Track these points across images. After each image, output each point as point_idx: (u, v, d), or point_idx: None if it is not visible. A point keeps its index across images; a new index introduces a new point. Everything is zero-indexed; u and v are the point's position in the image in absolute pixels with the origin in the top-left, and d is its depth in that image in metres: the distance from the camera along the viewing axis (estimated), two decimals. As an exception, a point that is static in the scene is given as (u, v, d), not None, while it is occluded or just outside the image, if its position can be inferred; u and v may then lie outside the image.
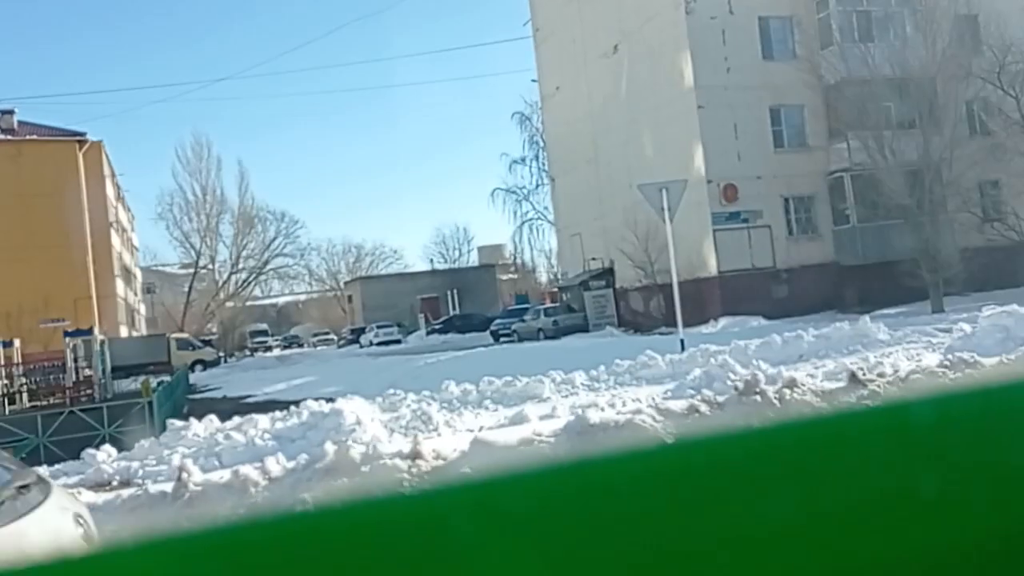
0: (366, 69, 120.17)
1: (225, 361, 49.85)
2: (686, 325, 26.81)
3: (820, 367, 9.90)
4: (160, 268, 73.18)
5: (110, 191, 52.39)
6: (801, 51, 27.04)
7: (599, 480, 0.65)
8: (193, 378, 36.02)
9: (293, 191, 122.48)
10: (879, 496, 0.68)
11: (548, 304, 36.82)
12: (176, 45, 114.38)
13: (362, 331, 52.77)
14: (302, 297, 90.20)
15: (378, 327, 49.40)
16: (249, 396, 24.05)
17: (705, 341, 17.85)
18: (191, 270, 63.48)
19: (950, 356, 7.17)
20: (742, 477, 0.67)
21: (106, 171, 51.48)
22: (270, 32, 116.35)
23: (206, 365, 41.55)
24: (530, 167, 49.58)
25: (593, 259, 32.93)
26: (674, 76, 27.20)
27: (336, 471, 5.11)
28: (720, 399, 6.39)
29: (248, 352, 60.71)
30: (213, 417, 11.64)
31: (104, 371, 29.15)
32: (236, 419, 11.64)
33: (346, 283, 73.64)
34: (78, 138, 46.77)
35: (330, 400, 16.10)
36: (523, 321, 34.19)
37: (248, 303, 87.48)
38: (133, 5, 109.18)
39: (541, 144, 43.10)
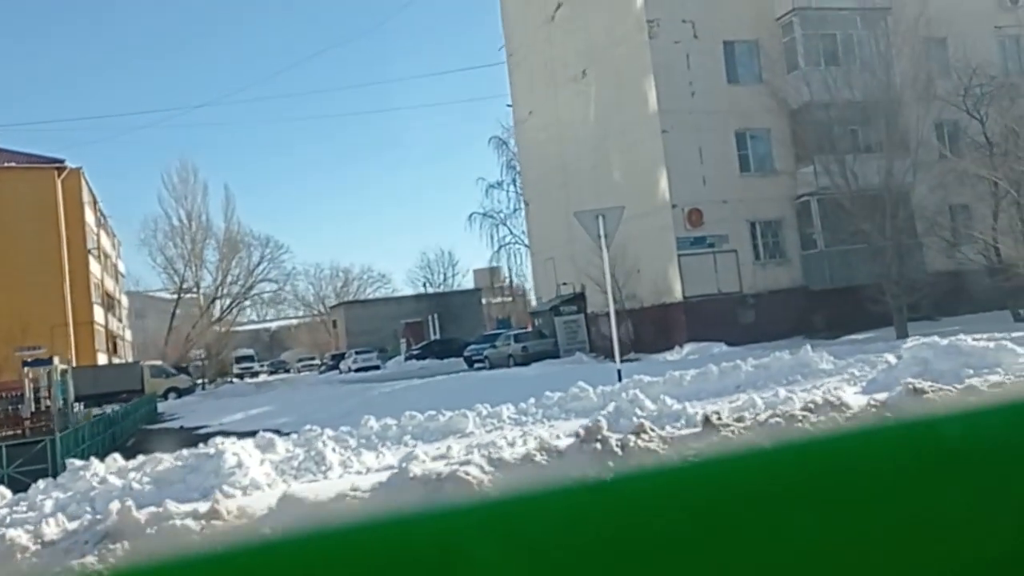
0: (354, 94, 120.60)
1: (204, 388, 49.43)
2: (652, 351, 26.58)
3: (735, 402, 9.53)
4: (151, 294, 72.90)
5: (90, 218, 52.21)
6: (767, 75, 26.84)
7: (619, 499, 0.65)
8: (164, 406, 35.66)
9: (280, 216, 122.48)
10: (906, 512, 0.67)
11: (520, 330, 36.43)
12: (162, 71, 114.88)
13: (342, 357, 52.40)
14: (294, 322, 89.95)
15: (357, 353, 49.04)
16: (204, 427, 23.70)
17: (671, 368, 17.42)
18: (186, 296, 63.31)
19: (816, 398, 6.80)
20: (765, 495, 0.66)
21: (86, 198, 51.35)
22: (250, 59, 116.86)
23: (180, 393, 41.12)
24: (507, 191, 49.45)
25: (564, 284, 32.61)
26: (639, 101, 27.02)
27: (119, 534, 4.76)
28: (561, 446, 6.02)
29: (229, 379, 60.19)
30: (117, 456, 11.26)
31: (66, 401, 28.65)
32: (140, 457, 11.27)
33: (331, 308, 73.35)
34: (56, 165, 46.67)
35: (276, 432, 15.77)
36: (494, 347, 33.80)
37: (242, 328, 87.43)
38: (116, 31, 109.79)
39: (517, 168, 42.92)
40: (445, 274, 70.74)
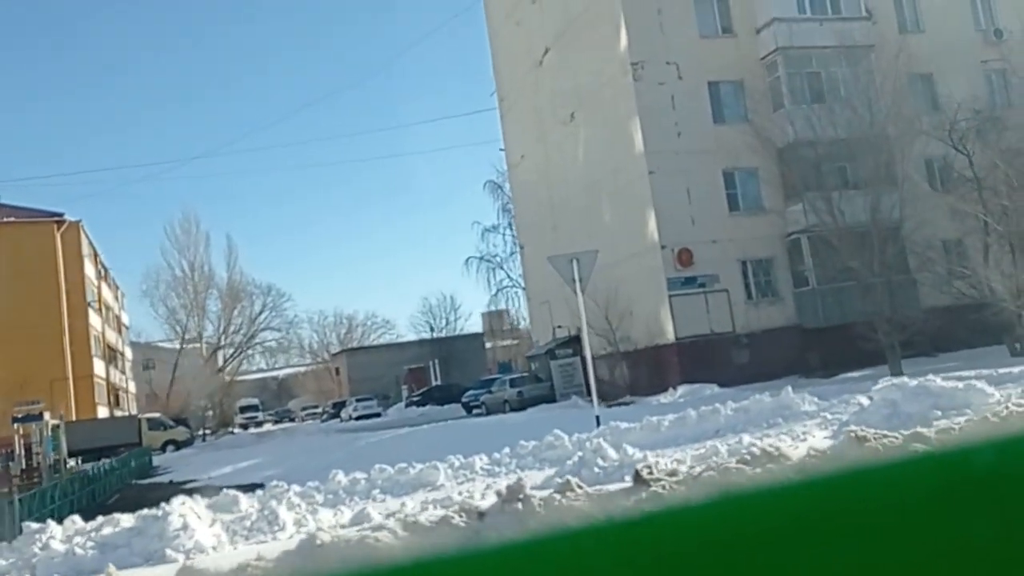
0: (356, 141, 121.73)
1: (204, 439, 49.14)
2: (647, 393, 26.26)
3: (699, 449, 9.29)
4: (158, 344, 72.82)
5: (90, 270, 52.44)
6: (752, 115, 26.82)
7: (647, 540, 0.64)
8: (160, 459, 35.42)
9: (283, 264, 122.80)
10: (936, 548, 0.66)
11: (519, 374, 36.14)
12: (164, 122, 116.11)
13: (343, 405, 52.12)
14: (302, 370, 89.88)
15: (357, 401, 48.76)
16: (193, 480, 23.54)
17: (664, 411, 17.12)
18: (189, 346, 63.21)
19: (753, 449, 6.55)
20: (788, 533, 0.65)
21: (86, 251, 51.63)
22: (246, 110, 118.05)
23: (178, 445, 40.84)
24: (503, 235, 49.49)
25: (559, 327, 32.37)
26: (626, 142, 27.05)
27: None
28: (482, 507, 5.79)
29: (231, 429, 59.82)
30: (76, 518, 11.04)
31: (61, 456, 28.46)
32: (99, 519, 11.07)
33: (333, 355, 73.17)
34: (56, 219, 47.03)
35: (259, 486, 15.55)
36: (490, 393, 33.50)
37: (250, 376, 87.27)
38: (116, 83, 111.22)
39: (512, 212, 42.99)
40: (447, 319, 70.54)
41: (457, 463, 12.49)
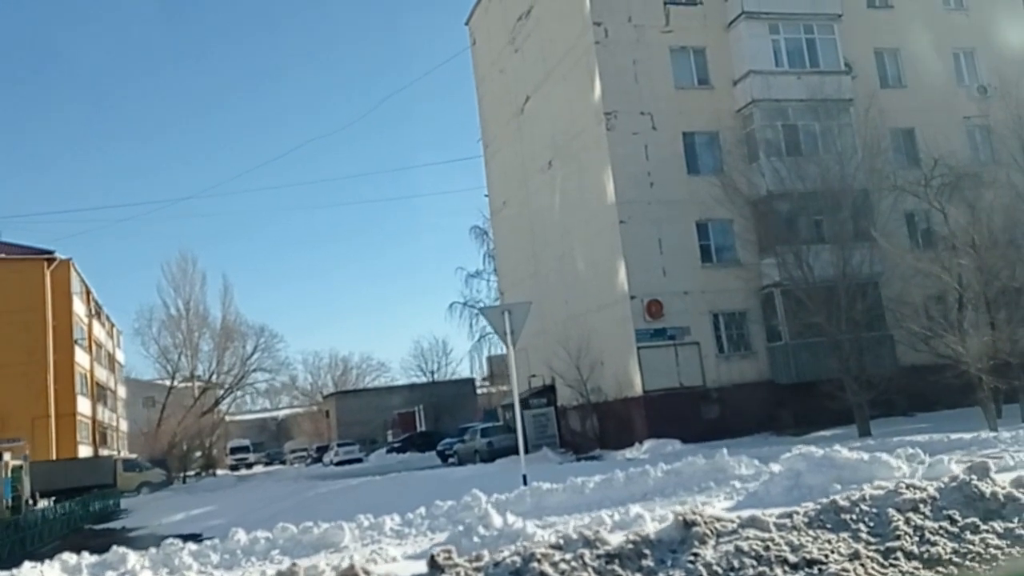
0: (367, 181, 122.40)
1: (184, 481, 48.50)
2: (616, 446, 25.64)
3: (581, 519, 8.78)
4: (159, 383, 72.45)
5: (80, 308, 52.34)
6: (727, 166, 26.52)
7: None
8: (131, 502, 34.85)
9: (277, 305, 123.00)
10: None
11: (489, 424, 35.49)
12: (153, 165, 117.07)
13: (327, 449, 51.50)
14: (300, 411, 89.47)
15: (339, 445, 48.21)
16: (141, 528, 23.11)
17: (623, 467, 16.46)
18: (182, 385, 62.82)
19: (570, 533, 5.98)
20: None
21: (76, 288, 51.61)
22: (239, 151, 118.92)
23: (153, 487, 40.23)
24: (487, 281, 49.09)
25: (534, 376, 31.83)
26: (599, 191, 26.77)
27: None
28: None
29: (213, 471, 59.02)
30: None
31: (17, 497, 27.98)
32: (-24, 575, 10.60)
33: (324, 398, 72.65)
34: (46, 256, 47.06)
35: (197, 536, 15.07)
36: (463, 442, 32.89)
37: (251, 416, 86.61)
38: (115, 119, 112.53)
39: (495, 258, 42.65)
40: (439, 363, 69.87)
41: (366, 523, 11.91)
